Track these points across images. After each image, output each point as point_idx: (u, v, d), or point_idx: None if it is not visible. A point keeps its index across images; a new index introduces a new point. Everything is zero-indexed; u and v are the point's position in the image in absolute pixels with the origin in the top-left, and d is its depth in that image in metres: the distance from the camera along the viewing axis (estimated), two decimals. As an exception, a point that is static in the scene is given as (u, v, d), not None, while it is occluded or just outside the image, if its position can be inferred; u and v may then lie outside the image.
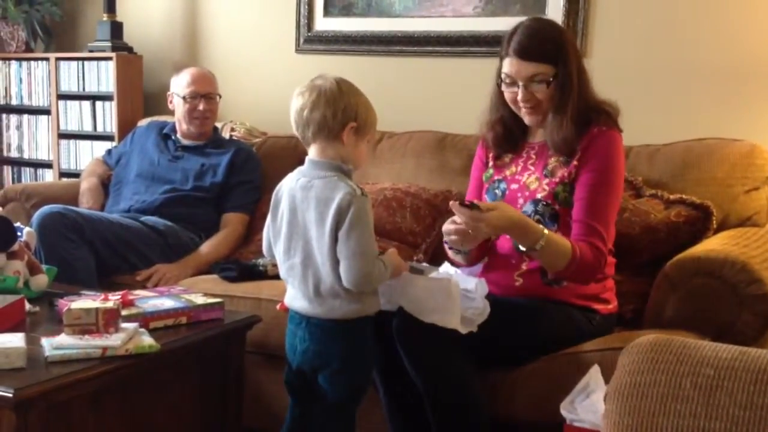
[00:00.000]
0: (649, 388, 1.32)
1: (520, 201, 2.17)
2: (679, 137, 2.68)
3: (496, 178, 2.26)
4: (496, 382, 2.08)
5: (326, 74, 1.94)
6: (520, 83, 2.10)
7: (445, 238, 2.07)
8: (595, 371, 1.85)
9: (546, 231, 1.99)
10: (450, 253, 2.22)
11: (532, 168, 2.20)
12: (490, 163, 2.29)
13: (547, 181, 2.14)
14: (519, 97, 2.12)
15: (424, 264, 2.18)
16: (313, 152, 1.94)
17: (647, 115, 2.87)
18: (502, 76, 2.14)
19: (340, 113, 1.88)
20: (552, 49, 2.09)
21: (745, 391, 1.26)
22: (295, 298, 1.97)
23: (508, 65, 2.12)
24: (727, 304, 2.05)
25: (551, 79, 2.08)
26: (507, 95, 2.16)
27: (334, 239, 1.85)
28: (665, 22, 2.92)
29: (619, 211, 2.20)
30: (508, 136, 2.24)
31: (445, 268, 2.15)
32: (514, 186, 2.21)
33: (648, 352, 1.36)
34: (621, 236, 2.31)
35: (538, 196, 2.14)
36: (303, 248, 1.92)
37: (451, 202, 1.97)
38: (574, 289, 2.11)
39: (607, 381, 1.58)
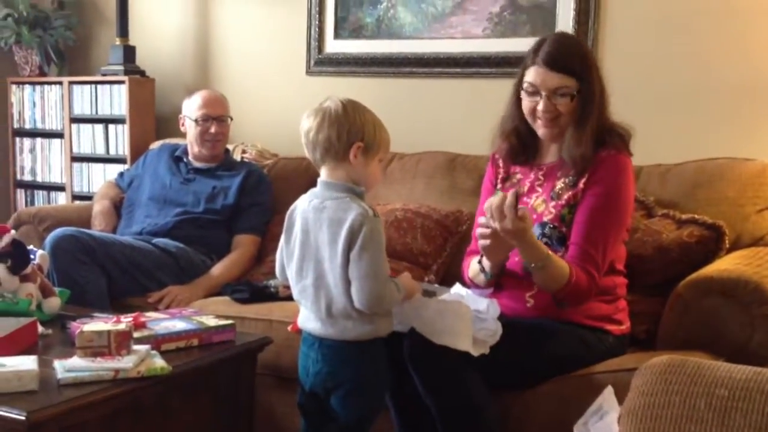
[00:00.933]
0: (663, 409, 1.31)
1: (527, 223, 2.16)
2: (690, 157, 2.68)
3: None
4: (509, 403, 2.07)
5: (334, 96, 1.95)
6: (543, 93, 2.09)
7: (480, 242, 2.03)
8: (608, 392, 1.83)
9: (551, 254, 1.99)
10: (471, 272, 2.20)
11: (539, 190, 2.19)
12: (499, 185, 2.29)
13: (553, 203, 2.13)
14: (540, 107, 2.10)
15: (436, 285, 2.18)
16: (324, 174, 1.95)
17: (658, 134, 2.87)
18: (525, 85, 2.12)
19: (345, 134, 1.89)
20: (578, 64, 2.09)
21: (759, 412, 1.25)
22: (307, 319, 1.97)
23: (534, 74, 2.10)
24: (741, 325, 2.04)
25: (575, 93, 2.08)
26: (526, 104, 2.14)
27: (347, 260, 1.85)
28: (675, 42, 2.92)
29: (629, 230, 2.19)
30: (521, 148, 2.23)
31: (456, 289, 2.15)
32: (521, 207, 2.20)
33: (662, 373, 1.36)
34: (632, 256, 2.30)
35: (545, 219, 2.13)
36: (315, 269, 1.92)
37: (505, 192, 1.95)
38: (586, 310, 2.10)
39: (620, 402, 1.57)
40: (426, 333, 1.92)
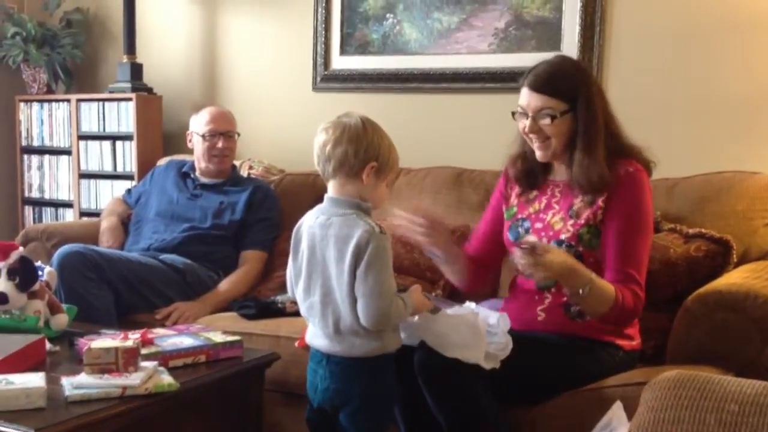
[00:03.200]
0: (672, 424, 1.31)
1: (544, 241, 2.15)
2: (697, 170, 2.67)
3: (519, 216, 2.25)
4: (518, 418, 2.06)
5: (353, 112, 1.95)
6: (530, 114, 2.12)
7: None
8: (617, 407, 1.82)
9: (593, 275, 2.00)
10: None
11: (556, 207, 2.19)
12: (514, 200, 2.29)
13: (572, 222, 2.13)
14: (526, 129, 2.14)
15: (446, 300, 2.18)
16: (332, 189, 1.95)
17: (665, 148, 2.84)
18: (517, 107, 2.17)
19: (362, 152, 1.89)
20: (566, 86, 2.10)
21: (770, 428, 1.24)
22: (315, 336, 1.97)
23: (521, 96, 2.15)
24: (750, 339, 2.03)
25: (558, 115, 2.09)
26: (519, 126, 2.18)
27: (353, 277, 1.85)
28: (681, 56, 2.93)
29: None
30: (529, 172, 2.25)
31: (467, 304, 2.14)
32: (538, 225, 2.20)
33: (671, 387, 1.35)
34: (640, 271, 2.29)
35: (562, 237, 2.13)
36: (322, 286, 1.92)
37: (514, 248, 1.98)
38: (597, 324, 2.10)
39: (630, 417, 1.57)
40: (436, 346, 1.92)
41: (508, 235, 2.25)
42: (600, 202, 2.10)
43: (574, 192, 2.16)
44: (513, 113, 2.19)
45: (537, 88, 2.11)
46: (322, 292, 1.91)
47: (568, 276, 1.99)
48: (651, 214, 2.14)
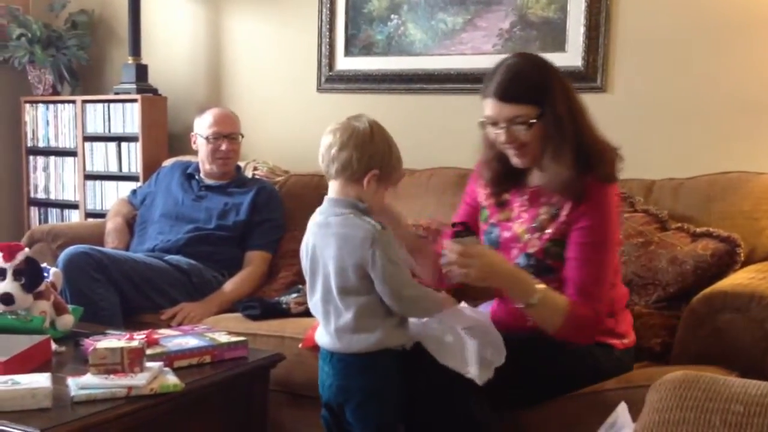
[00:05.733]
0: (677, 425, 1.30)
1: (514, 252, 2.09)
2: (703, 171, 2.67)
3: (491, 221, 2.18)
4: (519, 420, 2.05)
5: (363, 115, 1.94)
6: (502, 125, 2.01)
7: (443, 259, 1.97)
8: (622, 409, 1.82)
9: (540, 286, 1.94)
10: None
11: (524, 216, 2.10)
12: (485, 202, 2.20)
13: (537, 235, 2.05)
14: (502, 140, 2.03)
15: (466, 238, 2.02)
16: (332, 189, 1.96)
17: (670, 148, 2.87)
18: (484, 118, 2.06)
19: (366, 158, 1.89)
20: (534, 90, 1.99)
21: (776, 428, 1.24)
22: (321, 334, 1.98)
23: (489, 107, 2.02)
24: (755, 340, 2.03)
25: (533, 121, 1.98)
26: (491, 136, 2.07)
27: (357, 276, 1.86)
28: (687, 56, 2.92)
29: (636, 246, 2.17)
30: (508, 172, 2.13)
31: (462, 304, 2.13)
32: (507, 234, 2.12)
33: (676, 388, 1.35)
34: (647, 269, 2.30)
35: (529, 250, 2.06)
36: (323, 285, 1.93)
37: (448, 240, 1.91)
38: None
39: (634, 419, 1.56)
40: (432, 351, 1.91)
41: (483, 240, 2.16)
42: (563, 216, 2.01)
43: (541, 200, 2.08)
44: (480, 122, 2.08)
45: (504, 97, 1.98)
46: (323, 290, 1.93)
47: (509, 285, 1.96)
48: (615, 228, 2.05)
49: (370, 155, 1.89)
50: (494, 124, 2.03)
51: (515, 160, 2.08)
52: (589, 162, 2.00)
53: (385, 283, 1.85)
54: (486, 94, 2.03)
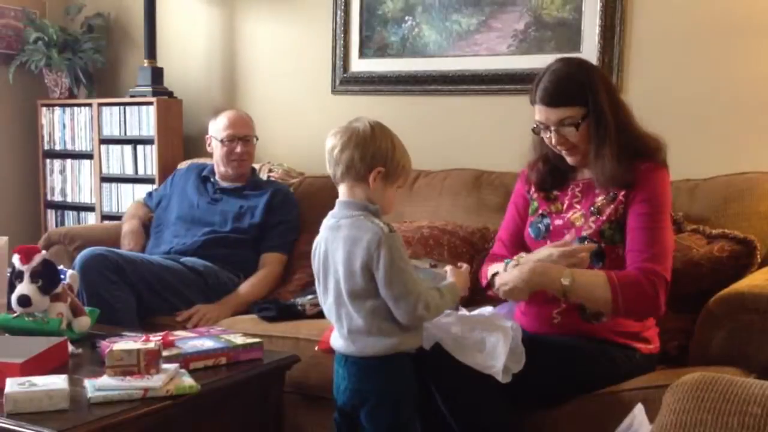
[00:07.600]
0: (695, 427, 1.29)
1: (567, 237, 2.15)
2: (719, 171, 2.65)
3: (540, 211, 2.25)
4: (536, 423, 2.05)
5: (364, 117, 1.96)
6: (552, 128, 2.12)
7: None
8: (639, 410, 1.81)
9: (569, 269, 1.99)
10: (491, 273, 2.21)
11: (577, 206, 2.19)
12: (535, 195, 2.28)
13: (593, 218, 2.13)
14: (552, 142, 2.14)
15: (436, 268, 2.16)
16: (342, 192, 1.96)
17: (686, 149, 2.84)
18: (534, 124, 2.17)
19: (368, 156, 1.90)
20: (578, 91, 2.09)
21: (794, 431, 1.22)
22: (335, 337, 1.98)
23: (537, 113, 2.15)
24: (773, 341, 2.01)
25: (580, 121, 2.09)
26: (545, 139, 2.18)
27: (364, 280, 1.86)
28: (702, 56, 2.90)
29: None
30: (554, 172, 2.25)
31: (482, 309, 2.14)
32: (558, 222, 2.20)
33: (694, 390, 1.34)
34: (663, 272, 2.27)
35: (584, 233, 2.12)
36: (335, 288, 1.93)
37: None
38: (614, 327, 2.08)
39: (651, 420, 1.55)
40: (452, 350, 1.91)
41: (529, 231, 2.25)
42: (621, 196, 2.10)
43: (596, 190, 2.16)
44: (533, 129, 2.19)
45: (551, 102, 2.10)
46: (335, 294, 1.93)
47: (538, 279, 2.00)
48: (669, 206, 2.14)
49: (372, 153, 1.90)
50: (545, 128, 2.14)
51: (569, 159, 2.18)
52: (636, 152, 2.11)
53: (385, 286, 1.84)
54: (534, 100, 2.14)
